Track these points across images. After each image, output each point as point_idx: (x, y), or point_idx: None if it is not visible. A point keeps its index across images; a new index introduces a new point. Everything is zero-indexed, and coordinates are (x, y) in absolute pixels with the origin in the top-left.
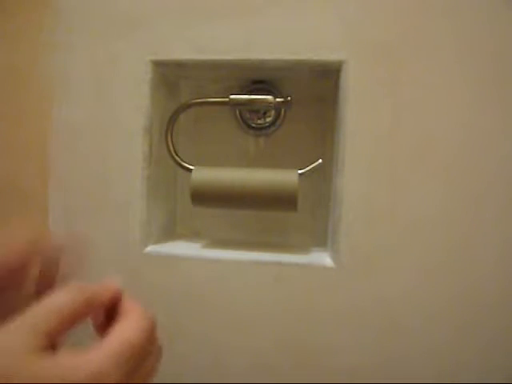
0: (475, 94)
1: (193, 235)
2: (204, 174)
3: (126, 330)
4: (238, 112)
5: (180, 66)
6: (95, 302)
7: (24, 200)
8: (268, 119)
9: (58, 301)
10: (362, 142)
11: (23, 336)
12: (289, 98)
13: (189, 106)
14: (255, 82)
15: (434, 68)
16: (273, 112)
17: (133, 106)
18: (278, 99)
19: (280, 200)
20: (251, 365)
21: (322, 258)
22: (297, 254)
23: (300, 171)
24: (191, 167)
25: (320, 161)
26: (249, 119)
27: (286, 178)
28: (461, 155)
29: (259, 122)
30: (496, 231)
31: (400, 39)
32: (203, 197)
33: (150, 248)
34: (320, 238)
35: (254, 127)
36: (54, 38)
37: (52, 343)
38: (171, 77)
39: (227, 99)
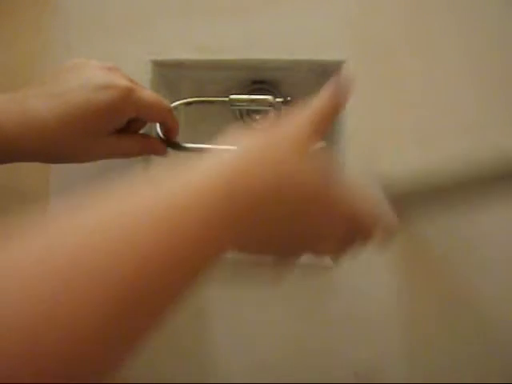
0: (478, 93)
1: None
2: None
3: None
4: (238, 112)
5: (180, 65)
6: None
7: (24, 200)
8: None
9: (320, 105)
10: (362, 141)
11: (306, 129)
12: (289, 98)
13: (188, 104)
14: (255, 82)
15: (435, 68)
16: (273, 112)
17: None
18: (277, 99)
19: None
20: (250, 365)
21: (322, 258)
22: None
23: None
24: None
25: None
26: (249, 119)
27: None
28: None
29: (259, 122)
30: (497, 232)
31: (401, 39)
32: None
33: None
34: None
35: (254, 127)
36: (52, 37)
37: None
38: (171, 77)
39: (227, 99)
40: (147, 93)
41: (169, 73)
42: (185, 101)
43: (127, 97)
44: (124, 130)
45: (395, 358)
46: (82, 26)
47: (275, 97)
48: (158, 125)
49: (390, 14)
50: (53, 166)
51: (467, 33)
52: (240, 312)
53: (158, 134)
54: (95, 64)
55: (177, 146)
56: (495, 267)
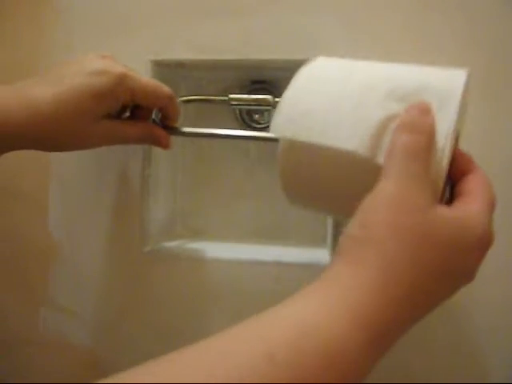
0: (478, 93)
1: (193, 235)
2: None
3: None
4: (237, 112)
5: (180, 65)
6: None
7: (24, 200)
8: (268, 119)
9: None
10: None
11: (422, 190)
12: None
13: (187, 102)
14: (255, 82)
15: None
16: (273, 112)
17: None
18: (277, 99)
19: None
20: None
21: (322, 258)
22: (297, 253)
23: None
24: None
25: None
26: (249, 119)
27: None
28: None
29: (259, 121)
30: (498, 233)
31: (401, 39)
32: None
33: (150, 248)
34: (320, 237)
35: (253, 127)
36: (53, 37)
37: None
38: (171, 77)
39: (226, 98)
40: (144, 79)
41: (169, 73)
42: (184, 98)
43: (121, 82)
44: (129, 118)
45: (396, 358)
46: (82, 26)
47: (275, 97)
48: (154, 110)
49: (391, 14)
50: (53, 165)
51: (469, 34)
52: (239, 310)
53: (154, 119)
54: (91, 55)
55: (174, 131)
56: None
